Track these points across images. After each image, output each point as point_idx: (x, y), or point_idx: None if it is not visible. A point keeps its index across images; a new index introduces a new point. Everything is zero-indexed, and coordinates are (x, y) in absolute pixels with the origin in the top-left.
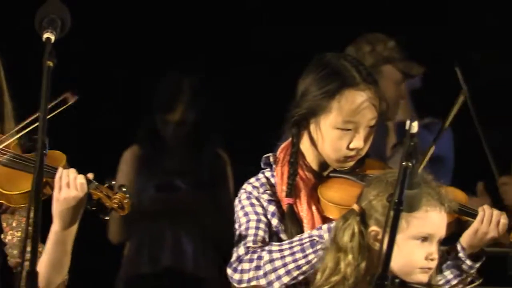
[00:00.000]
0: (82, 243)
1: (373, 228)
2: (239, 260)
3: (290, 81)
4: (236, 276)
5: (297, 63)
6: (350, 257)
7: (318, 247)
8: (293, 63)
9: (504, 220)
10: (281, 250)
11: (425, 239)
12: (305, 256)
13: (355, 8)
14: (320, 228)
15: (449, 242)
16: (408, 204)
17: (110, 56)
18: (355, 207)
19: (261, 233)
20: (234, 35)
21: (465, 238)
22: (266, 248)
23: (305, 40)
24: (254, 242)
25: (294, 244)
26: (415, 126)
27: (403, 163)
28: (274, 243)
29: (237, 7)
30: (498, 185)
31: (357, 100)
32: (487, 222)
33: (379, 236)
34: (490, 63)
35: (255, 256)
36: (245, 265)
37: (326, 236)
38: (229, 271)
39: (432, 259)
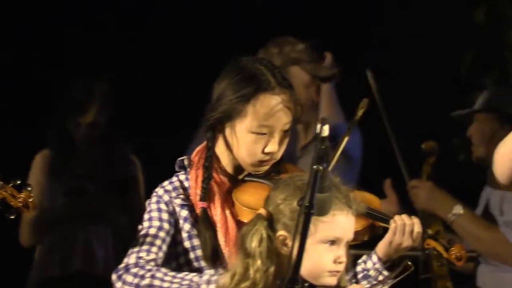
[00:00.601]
0: None
1: (281, 232)
2: (126, 269)
3: (203, 85)
4: (118, 284)
5: (211, 66)
6: (258, 262)
7: None
8: (206, 66)
9: (417, 228)
10: (162, 280)
11: (333, 242)
12: None
13: (270, 12)
14: (202, 276)
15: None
16: (319, 207)
17: (21, 57)
18: (262, 211)
19: (158, 242)
20: (146, 40)
21: (381, 249)
22: (153, 269)
23: (219, 44)
24: (148, 252)
25: (175, 280)
26: (325, 130)
27: (314, 167)
28: (162, 268)
29: (147, 11)
30: (408, 189)
31: (272, 104)
32: (400, 233)
33: (287, 241)
34: (404, 67)
35: (141, 273)
36: (129, 278)
37: (203, 287)
38: (114, 276)
39: (340, 262)
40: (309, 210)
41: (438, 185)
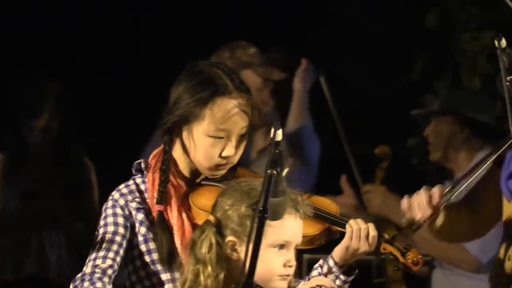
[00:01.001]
0: None
1: (230, 238)
2: (82, 279)
3: (158, 88)
4: None
5: (167, 69)
6: (209, 268)
7: None
8: (161, 69)
9: (373, 233)
10: None
11: (282, 246)
12: None
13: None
14: None
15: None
16: (272, 212)
17: None
18: (211, 217)
19: (114, 247)
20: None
21: (337, 253)
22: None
23: (175, 46)
24: (104, 258)
25: None
26: (279, 134)
27: (268, 171)
28: None
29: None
30: (361, 193)
31: (230, 108)
32: (356, 238)
33: (237, 246)
34: (357, 71)
35: (94, 285)
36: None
37: None
38: (71, 286)
39: (290, 266)
40: (263, 215)
41: (392, 190)
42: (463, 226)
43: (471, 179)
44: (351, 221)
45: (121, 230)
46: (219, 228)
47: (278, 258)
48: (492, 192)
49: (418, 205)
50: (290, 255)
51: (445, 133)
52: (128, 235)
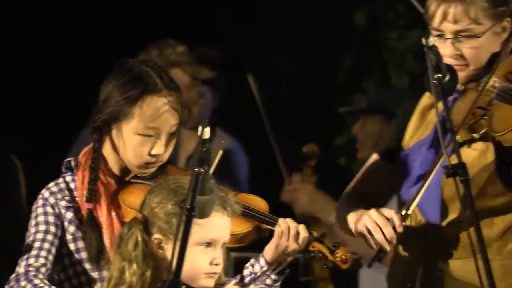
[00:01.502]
0: None
1: (156, 236)
2: (17, 279)
3: (87, 86)
4: None
5: (96, 67)
6: (134, 266)
7: None
8: (91, 66)
9: (303, 233)
10: None
11: (209, 244)
12: None
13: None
14: None
15: None
16: (200, 210)
17: None
18: (138, 215)
19: (46, 245)
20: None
21: (268, 252)
22: (39, 285)
23: (104, 45)
24: (37, 257)
25: None
26: (207, 132)
27: (195, 169)
28: (46, 283)
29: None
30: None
31: (159, 106)
32: (285, 237)
33: (163, 244)
34: (285, 70)
35: (29, 286)
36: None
37: None
38: (6, 287)
39: (217, 264)
40: (191, 213)
41: (319, 188)
42: None
43: (423, 190)
44: (280, 220)
45: (52, 228)
46: (146, 226)
47: (205, 256)
48: None
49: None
50: (217, 253)
51: (373, 131)
52: (59, 233)
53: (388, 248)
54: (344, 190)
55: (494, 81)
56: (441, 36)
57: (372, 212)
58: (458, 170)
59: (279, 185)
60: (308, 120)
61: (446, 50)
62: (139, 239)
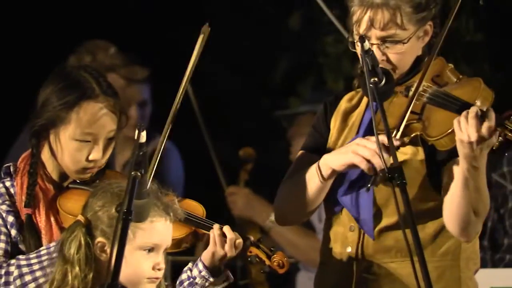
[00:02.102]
0: None
1: (100, 239)
2: None
3: (24, 90)
4: None
5: (33, 71)
6: (77, 269)
7: None
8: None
9: (239, 241)
10: (29, 265)
11: (151, 249)
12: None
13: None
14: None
15: None
16: (136, 214)
17: None
18: (81, 218)
19: (2, 245)
20: None
21: (205, 257)
22: (14, 262)
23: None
24: None
25: (43, 258)
26: (143, 136)
27: (132, 173)
28: (21, 256)
29: None
30: (226, 195)
31: (96, 112)
32: (220, 245)
33: (106, 247)
34: (220, 73)
35: (3, 271)
36: None
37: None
38: None
39: (159, 269)
40: (127, 217)
41: (255, 192)
42: None
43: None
44: (215, 228)
45: (3, 229)
46: (89, 229)
47: (147, 261)
48: None
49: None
50: (159, 258)
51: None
52: (9, 233)
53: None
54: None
55: (424, 85)
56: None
57: (360, 140)
58: (395, 174)
59: (215, 190)
60: (244, 123)
61: None
62: (82, 242)
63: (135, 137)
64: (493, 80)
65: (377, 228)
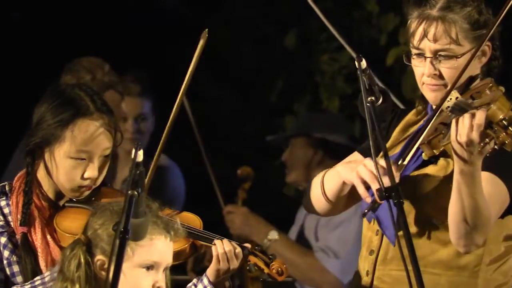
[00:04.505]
0: None
1: (99, 257)
2: None
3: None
4: None
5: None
6: (77, 286)
7: None
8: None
9: (238, 249)
10: None
11: (151, 267)
12: None
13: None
14: None
15: None
16: (134, 232)
17: None
18: (81, 236)
19: None
20: None
21: (210, 274)
22: None
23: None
24: None
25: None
26: (140, 155)
27: (129, 192)
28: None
29: None
30: (224, 214)
31: (91, 130)
32: (223, 260)
33: (106, 265)
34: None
35: None
36: None
37: None
38: None
39: (159, 287)
40: (124, 235)
41: (253, 211)
42: None
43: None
44: (217, 243)
45: None
46: (89, 247)
47: (147, 279)
48: None
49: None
50: (159, 276)
51: (299, 156)
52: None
53: (381, 199)
54: (276, 213)
55: (456, 97)
56: (420, 55)
57: (368, 161)
58: (392, 193)
59: (213, 208)
60: (242, 142)
61: (425, 69)
62: (82, 260)
63: (132, 156)
64: None
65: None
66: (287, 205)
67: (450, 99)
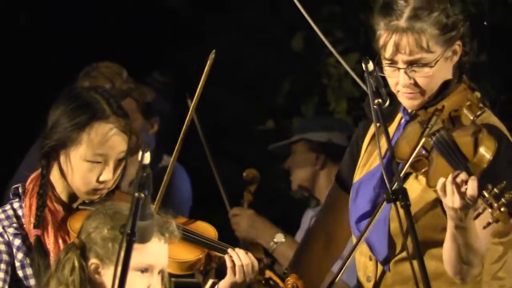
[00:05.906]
0: None
1: (93, 261)
2: None
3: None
4: None
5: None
6: None
7: None
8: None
9: (255, 265)
10: None
11: (145, 270)
12: None
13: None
14: None
15: None
16: (140, 235)
17: None
18: (75, 240)
19: (1, 275)
20: None
21: (225, 286)
22: None
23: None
24: None
25: None
26: (147, 157)
27: (136, 194)
28: None
29: None
30: (229, 216)
31: (107, 133)
32: (240, 272)
33: (100, 269)
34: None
35: None
36: None
37: None
38: None
39: None
40: (131, 238)
41: (260, 213)
42: None
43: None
44: (233, 255)
45: (5, 257)
46: (83, 251)
47: (142, 282)
48: None
49: None
50: (154, 279)
51: (302, 161)
52: (12, 261)
53: (388, 202)
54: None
55: (438, 125)
56: (393, 65)
57: None
58: (399, 195)
59: (219, 211)
60: (248, 145)
61: (400, 79)
62: (76, 264)
63: (139, 158)
64: (498, 101)
65: (394, 259)
66: (293, 207)
67: (431, 125)
